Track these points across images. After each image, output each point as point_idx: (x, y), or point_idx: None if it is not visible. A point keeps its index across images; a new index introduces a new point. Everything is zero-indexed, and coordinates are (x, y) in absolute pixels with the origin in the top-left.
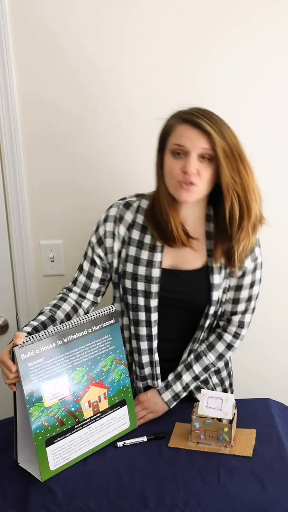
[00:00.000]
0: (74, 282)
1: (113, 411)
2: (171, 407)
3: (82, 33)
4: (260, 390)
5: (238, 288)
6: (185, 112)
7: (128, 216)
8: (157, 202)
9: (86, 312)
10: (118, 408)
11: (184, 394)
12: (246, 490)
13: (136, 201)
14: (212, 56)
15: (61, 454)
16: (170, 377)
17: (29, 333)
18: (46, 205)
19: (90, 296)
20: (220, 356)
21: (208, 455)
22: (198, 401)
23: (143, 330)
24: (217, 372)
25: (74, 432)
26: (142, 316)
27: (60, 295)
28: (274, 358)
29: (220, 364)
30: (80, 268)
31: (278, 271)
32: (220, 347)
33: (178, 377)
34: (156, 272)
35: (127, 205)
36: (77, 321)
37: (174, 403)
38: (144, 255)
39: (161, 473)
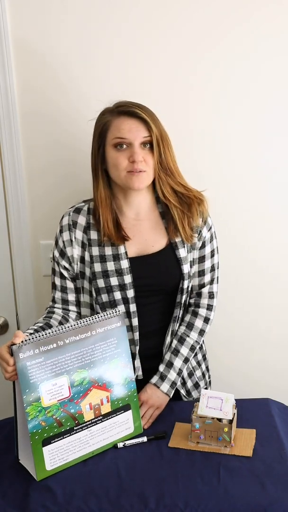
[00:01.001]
0: (53, 300)
1: (116, 415)
2: (171, 396)
3: (81, 34)
4: (260, 390)
5: (201, 259)
6: (118, 106)
7: (81, 220)
8: (94, 203)
9: None
10: (122, 412)
11: (179, 380)
12: (246, 490)
13: (85, 205)
14: (212, 56)
15: (58, 455)
16: (162, 368)
17: (30, 334)
18: (46, 205)
19: (72, 307)
20: (201, 332)
21: (208, 455)
22: (198, 401)
23: (126, 321)
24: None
25: (73, 434)
26: (121, 308)
27: (47, 311)
28: (273, 358)
29: (200, 340)
30: (53, 286)
31: (279, 271)
32: (198, 323)
33: (170, 365)
34: (125, 263)
35: (77, 210)
36: (82, 323)
37: (172, 391)
38: (108, 250)
39: (161, 473)
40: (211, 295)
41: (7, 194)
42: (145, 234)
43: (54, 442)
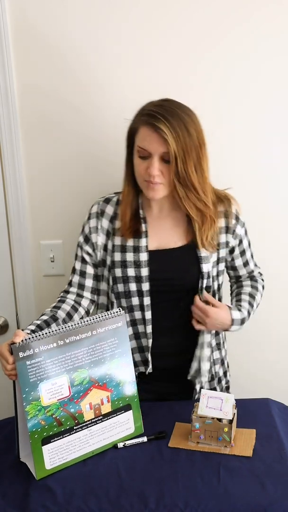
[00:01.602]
0: (70, 283)
1: (117, 415)
2: (231, 329)
3: (81, 34)
4: (260, 390)
5: (243, 253)
6: (148, 112)
7: (109, 209)
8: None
9: (87, 311)
10: (123, 412)
11: (246, 322)
12: (246, 490)
13: (115, 196)
14: (212, 56)
15: (58, 454)
16: (234, 304)
17: (33, 331)
18: (46, 205)
19: (87, 294)
20: (257, 288)
21: (208, 455)
22: (198, 400)
23: (138, 315)
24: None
25: (73, 433)
26: (135, 301)
27: (59, 298)
28: (274, 358)
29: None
30: (73, 270)
31: (278, 271)
32: (254, 284)
33: (239, 306)
34: (143, 256)
35: (107, 200)
36: (82, 322)
37: (236, 328)
38: (130, 242)
39: (161, 473)
40: (261, 274)
41: (7, 194)
42: (167, 230)
43: (54, 441)
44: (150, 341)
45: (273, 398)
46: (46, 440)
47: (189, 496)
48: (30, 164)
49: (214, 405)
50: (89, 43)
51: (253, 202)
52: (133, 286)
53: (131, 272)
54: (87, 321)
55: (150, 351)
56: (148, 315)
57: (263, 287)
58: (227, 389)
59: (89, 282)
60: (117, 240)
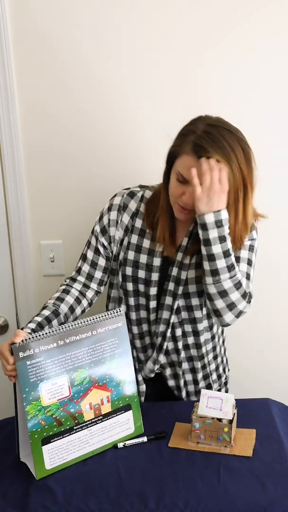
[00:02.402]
0: (78, 271)
1: (117, 415)
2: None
3: (81, 34)
4: (260, 390)
5: (237, 259)
6: (195, 141)
7: (132, 205)
8: (155, 202)
9: (90, 302)
10: (123, 413)
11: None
12: (246, 490)
13: (140, 191)
14: (212, 56)
15: (58, 454)
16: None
17: (33, 330)
18: (46, 205)
19: (94, 285)
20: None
21: (208, 455)
22: (198, 401)
23: (144, 314)
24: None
25: (73, 433)
26: (142, 300)
27: (63, 287)
28: (274, 358)
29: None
30: (84, 257)
31: (278, 271)
32: None
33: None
34: (157, 261)
35: (131, 194)
36: (82, 322)
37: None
38: (146, 244)
39: (161, 473)
40: (250, 296)
41: (7, 194)
42: (177, 231)
43: (54, 441)
44: (160, 339)
45: (273, 398)
46: (46, 440)
47: (189, 496)
48: (30, 164)
49: (214, 405)
50: (88, 42)
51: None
52: (141, 287)
53: (141, 274)
54: (87, 321)
55: (160, 350)
56: (153, 316)
57: (246, 297)
58: (225, 384)
59: (98, 274)
60: (134, 239)
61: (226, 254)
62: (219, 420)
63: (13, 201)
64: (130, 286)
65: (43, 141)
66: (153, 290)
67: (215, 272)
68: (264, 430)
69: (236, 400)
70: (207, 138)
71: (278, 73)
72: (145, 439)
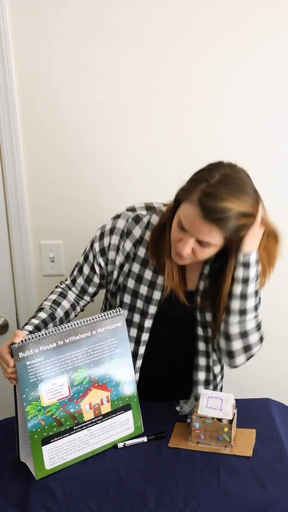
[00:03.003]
0: (73, 282)
1: (116, 415)
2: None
3: (81, 32)
4: (260, 390)
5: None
6: (201, 198)
7: (136, 232)
8: (161, 233)
9: (82, 309)
10: (122, 412)
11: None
12: (246, 490)
13: (146, 216)
14: (212, 56)
15: (58, 454)
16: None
17: (31, 332)
18: (46, 206)
19: (87, 298)
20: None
21: (208, 455)
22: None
23: (132, 340)
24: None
25: (72, 433)
26: (133, 332)
27: (60, 290)
28: (274, 358)
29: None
30: (80, 270)
31: (278, 271)
32: None
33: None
34: (157, 295)
35: (137, 220)
36: (82, 323)
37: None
38: (148, 275)
39: (161, 473)
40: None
41: (7, 194)
42: (189, 269)
43: (54, 441)
44: (140, 362)
45: (273, 398)
46: (46, 440)
47: (189, 496)
48: (30, 164)
49: (214, 405)
50: (88, 42)
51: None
52: (136, 318)
53: (139, 304)
54: (87, 321)
55: (139, 371)
56: (142, 350)
57: (262, 341)
58: (221, 379)
59: (92, 289)
60: (135, 267)
61: (257, 293)
62: (219, 420)
63: (13, 201)
64: (125, 314)
65: (43, 141)
66: (147, 323)
67: (243, 312)
68: (264, 430)
69: (236, 400)
70: (215, 196)
71: (278, 73)
72: (145, 439)
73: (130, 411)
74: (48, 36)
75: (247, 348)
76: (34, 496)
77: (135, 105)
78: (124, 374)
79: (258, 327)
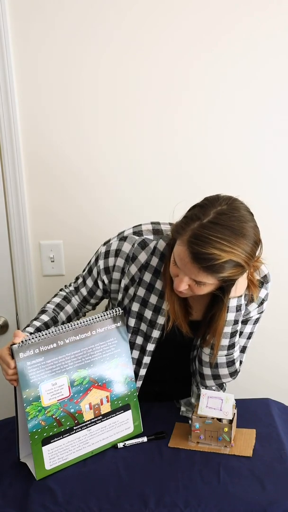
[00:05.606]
0: (76, 290)
1: (116, 415)
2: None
3: (80, 31)
4: (260, 390)
5: (240, 334)
6: (194, 240)
7: (142, 257)
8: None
9: (84, 315)
10: (122, 412)
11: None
12: (246, 490)
13: (153, 241)
14: (211, 56)
15: (58, 454)
16: None
17: (31, 334)
18: (46, 205)
19: (89, 307)
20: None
21: (208, 455)
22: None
23: (135, 362)
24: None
25: (72, 433)
26: (135, 354)
27: (65, 294)
28: (274, 358)
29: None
30: (84, 281)
31: (278, 272)
32: None
33: None
34: (161, 320)
35: (143, 245)
36: (81, 323)
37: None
38: (153, 300)
39: (161, 473)
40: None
41: (7, 194)
42: (193, 299)
43: (54, 441)
44: (140, 382)
45: (273, 398)
46: (46, 441)
47: (189, 496)
48: (30, 164)
49: (214, 405)
50: (87, 42)
51: (253, 201)
52: (139, 340)
53: (143, 327)
54: (87, 321)
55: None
56: (143, 372)
57: (233, 375)
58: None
59: (94, 301)
60: (141, 292)
61: (233, 335)
62: (219, 420)
63: (13, 201)
64: (128, 336)
65: (43, 141)
66: (150, 346)
67: (212, 346)
68: (264, 430)
69: (236, 400)
70: (207, 242)
71: (278, 73)
72: (145, 439)
73: (130, 411)
74: (47, 35)
75: (216, 377)
76: (34, 496)
77: (133, 107)
78: (124, 374)
79: (229, 364)
